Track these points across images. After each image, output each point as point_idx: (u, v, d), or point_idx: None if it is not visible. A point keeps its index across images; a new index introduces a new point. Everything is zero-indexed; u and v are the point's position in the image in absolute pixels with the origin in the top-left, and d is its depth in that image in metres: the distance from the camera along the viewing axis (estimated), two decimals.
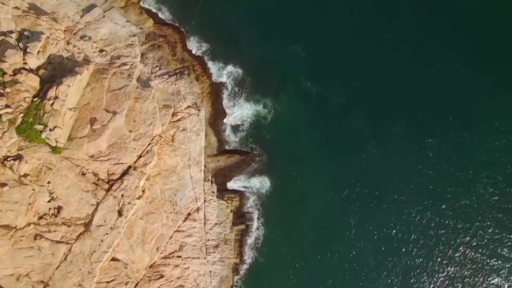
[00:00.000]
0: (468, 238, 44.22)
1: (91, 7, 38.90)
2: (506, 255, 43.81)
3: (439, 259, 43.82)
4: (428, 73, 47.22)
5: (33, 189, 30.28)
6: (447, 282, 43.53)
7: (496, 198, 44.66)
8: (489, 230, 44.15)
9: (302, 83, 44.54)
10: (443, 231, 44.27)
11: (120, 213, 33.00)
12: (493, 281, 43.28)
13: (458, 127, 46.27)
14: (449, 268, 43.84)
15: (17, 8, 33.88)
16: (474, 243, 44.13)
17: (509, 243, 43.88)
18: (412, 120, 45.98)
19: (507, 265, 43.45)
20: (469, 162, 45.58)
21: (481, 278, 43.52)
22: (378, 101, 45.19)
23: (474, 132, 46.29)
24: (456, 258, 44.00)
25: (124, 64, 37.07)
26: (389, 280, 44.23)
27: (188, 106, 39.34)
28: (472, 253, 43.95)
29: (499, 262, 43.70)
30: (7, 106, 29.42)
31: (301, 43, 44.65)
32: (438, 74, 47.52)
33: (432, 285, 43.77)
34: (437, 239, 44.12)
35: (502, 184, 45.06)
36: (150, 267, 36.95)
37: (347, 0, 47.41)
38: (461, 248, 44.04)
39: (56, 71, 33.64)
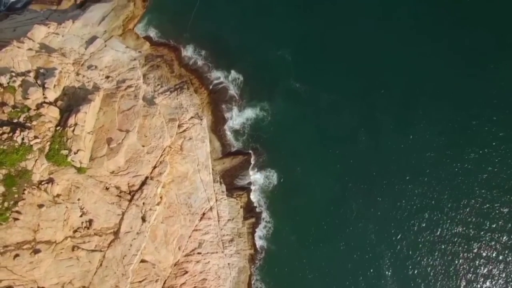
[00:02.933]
0: (462, 213, 47.97)
1: (93, 39, 42.80)
2: (500, 226, 47.58)
3: (437, 234, 47.62)
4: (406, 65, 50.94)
5: (66, 207, 34.33)
6: (446, 257, 47.65)
7: (486, 175, 48.33)
8: (483, 205, 47.70)
9: (292, 84, 48.41)
10: (438, 210, 48.04)
11: (143, 219, 37.08)
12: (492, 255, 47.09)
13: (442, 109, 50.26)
14: (446, 244, 47.63)
15: (30, 49, 37.91)
16: (469, 218, 47.81)
17: (499, 215, 47.56)
18: (396, 105, 49.70)
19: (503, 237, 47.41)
20: (460, 141, 49.39)
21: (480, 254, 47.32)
22: (364, 93, 49.05)
23: (463, 112, 49.90)
24: (454, 233, 47.84)
25: (129, 86, 41.05)
26: (392, 255, 48.20)
27: (191, 117, 43.40)
28: (465, 227, 47.97)
29: (496, 234, 47.36)
30: (35, 137, 33.43)
31: (286, 48, 48.48)
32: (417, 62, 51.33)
33: (431, 258, 47.69)
34: (434, 216, 47.97)
35: (494, 160, 48.79)
36: (175, 265, 41.05)
37: (326, 6, 51.04)
38: (455, 223, 47.82)
39: (71, 101, 37.65)
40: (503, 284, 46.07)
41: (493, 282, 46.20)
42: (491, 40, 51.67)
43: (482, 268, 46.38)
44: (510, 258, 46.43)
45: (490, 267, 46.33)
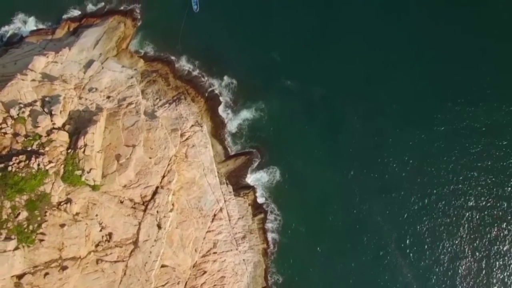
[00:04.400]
0: (457, 185, 50.83)
1: (90, 63, 44.96)
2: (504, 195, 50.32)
3: (440, 209, 50.43)
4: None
5: (86, 224, 36.54)
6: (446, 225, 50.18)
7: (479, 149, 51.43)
8: (477, 181, 50.69)
9: (284, 83, 50.79)
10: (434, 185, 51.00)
11: (159, 227, 39.31)
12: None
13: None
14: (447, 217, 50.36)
15: (33, 80, 40.07)
16: (465, 188, 50.70)
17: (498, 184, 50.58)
18: (384, 92, 52.18)
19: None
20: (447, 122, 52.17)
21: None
22: (351, 84, 51.51)
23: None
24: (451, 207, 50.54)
25: (130, 103, 43.23)
26: (400, 233, 50.50)
27: (192, 125, 45.65)
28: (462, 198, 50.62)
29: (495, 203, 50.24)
30: (50, 161, 35.60)
31: (275, 49, 50.86)
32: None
33: (436, 232, 50.10)
34: (434, 193, 50.88)
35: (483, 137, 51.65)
36: (193, 266, 43.32)
37: (307, 8, 53.30)
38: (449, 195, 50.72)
39: (78, 124, 39.84)
40: None
41: None
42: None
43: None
44: None
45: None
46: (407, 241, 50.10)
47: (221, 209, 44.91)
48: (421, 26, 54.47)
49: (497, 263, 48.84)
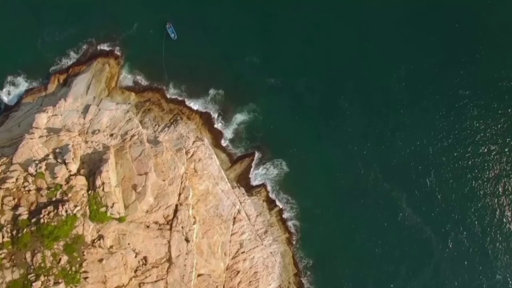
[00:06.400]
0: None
1: (87, 108, 47.85)
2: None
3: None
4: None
5: (121, 253, 39.59)
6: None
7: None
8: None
9: (268, 81, 53.84)
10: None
11: (187, 240, 42.37)
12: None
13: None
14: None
15: (41, 136, 43.00)
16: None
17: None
18: (364, 73, 55.72)
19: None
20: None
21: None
22: (329, 69, 54.87)
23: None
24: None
25: (132, 136, 46.21)
26: (408, 194, 53.82)
27: (194, 141, 48.70)
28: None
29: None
30: (75, 206, 38.64)
31: (252, 53, 53.85)
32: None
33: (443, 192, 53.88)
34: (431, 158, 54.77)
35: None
36: (227, 269, 46.48)
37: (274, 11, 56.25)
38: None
39: (90, 166, 42.81)
40: None
41: None
42: None
43: None
44: None
45: None
46: (416, 199, 53.65)
47: (239, 211, 47.97)
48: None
49: None
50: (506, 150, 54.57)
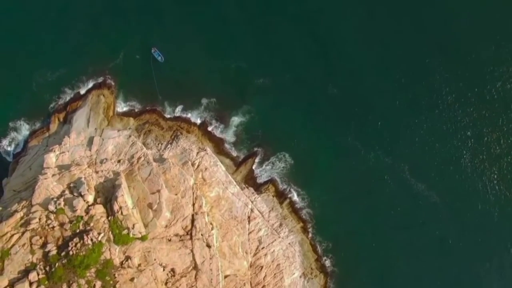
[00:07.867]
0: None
1: (91, 140, 49.98)
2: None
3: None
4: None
5: (150, 269, 41.85)
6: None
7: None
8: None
9: (257, 82, 56.26)
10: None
11: (208, 246, 44.66)
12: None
13: None
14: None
15: (54, 175, 45.28)
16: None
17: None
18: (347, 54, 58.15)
19: None
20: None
21: None
22: (312, 61, 57.36)
23: None
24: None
25: (139, 158, 48.42)
26: (410, 164, 55.99)
27: (197, 152, 50.95)
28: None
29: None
30: (99, 233, 40.90)
31: (238, 59, 56.28)
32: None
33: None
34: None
35: None
36: (250, 266, 48.77)
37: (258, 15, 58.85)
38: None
39: (105, 194, 45.07)
40: None
41: None
42: None
43: None
44: None
45: None
46: (419, 169, 55.99)
47: (251, 210, 50.25)
48: None
49: None
50: None
